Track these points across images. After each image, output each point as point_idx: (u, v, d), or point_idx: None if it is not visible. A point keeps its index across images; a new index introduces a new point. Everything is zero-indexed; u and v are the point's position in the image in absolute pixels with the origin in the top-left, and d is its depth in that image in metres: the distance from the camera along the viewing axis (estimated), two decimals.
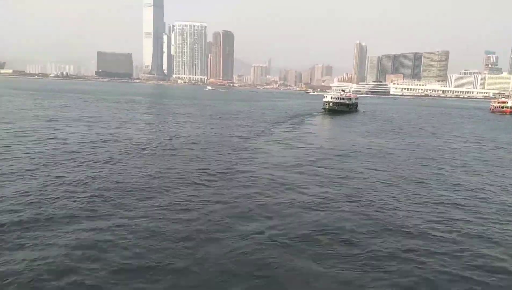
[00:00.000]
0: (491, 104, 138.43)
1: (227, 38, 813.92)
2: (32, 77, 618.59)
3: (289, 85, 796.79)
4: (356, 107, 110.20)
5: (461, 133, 60.24)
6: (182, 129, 49.08)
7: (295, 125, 60.83)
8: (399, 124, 73.87)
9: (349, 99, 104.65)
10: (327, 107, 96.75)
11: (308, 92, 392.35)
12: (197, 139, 40.51)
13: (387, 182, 25.20)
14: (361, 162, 31.94)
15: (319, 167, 28.90)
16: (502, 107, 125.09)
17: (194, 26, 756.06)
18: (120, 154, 30.13)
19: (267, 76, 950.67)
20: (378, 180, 25.64)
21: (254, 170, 26.85)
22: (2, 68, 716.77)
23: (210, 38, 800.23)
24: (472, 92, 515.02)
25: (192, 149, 34.38)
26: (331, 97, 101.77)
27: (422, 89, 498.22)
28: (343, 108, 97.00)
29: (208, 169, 26.38)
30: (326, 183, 24.12)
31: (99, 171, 24.16)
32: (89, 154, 29.37)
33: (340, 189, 22.79)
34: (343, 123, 71.69)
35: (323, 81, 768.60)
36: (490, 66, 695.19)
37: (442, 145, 44.84)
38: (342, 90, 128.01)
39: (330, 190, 22.58)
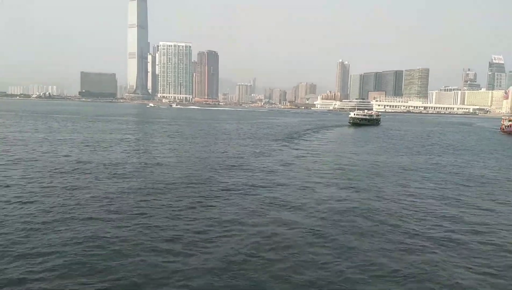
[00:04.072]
0: (502, 122, 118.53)
1: (212, 57, 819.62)
2: (13, 98, 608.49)
3: (274, 103, 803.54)
4: (378, 121, 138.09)
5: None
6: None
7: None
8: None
9: (370, 115, 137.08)
10: (352, 121, 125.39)
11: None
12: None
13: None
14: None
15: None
16: None
17: (178, 46, 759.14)
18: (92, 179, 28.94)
19: (252, 95, 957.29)
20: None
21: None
22: None
23: (195, 58, 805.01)
24: (453, 108, 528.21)
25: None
26: (355, 114, 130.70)
27: (404, 106, 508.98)
28: (364, 122, 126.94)
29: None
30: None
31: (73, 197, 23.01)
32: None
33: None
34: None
35: (307, 99, 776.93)
36: (469, 82, 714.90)
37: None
38: (366, 110, 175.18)
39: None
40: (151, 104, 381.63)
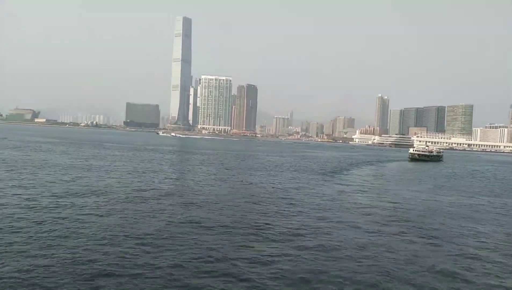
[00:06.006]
0: None
1: (251, 91, 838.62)
2: (63, 126, 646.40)
3: (311, 136, 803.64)
4: (440, 157, 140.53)
5: None
6: None
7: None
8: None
9: (430, 152, 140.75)
10: (410, 157, 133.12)
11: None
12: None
13: None
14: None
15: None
16: None
17: (219, 79, 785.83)
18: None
19: (289, 127, 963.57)
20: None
21: None
22: (37, 117, 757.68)
23: (234, 91, 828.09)
24: (499, 146, 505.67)
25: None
26: (414, 150, 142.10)
27: (446, 143, 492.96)
28: (424, 158, 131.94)
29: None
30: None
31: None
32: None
33: None
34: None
35: (345, 132, 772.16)
36: None
37: None
38: (427, 146, 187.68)
39: None
40: (161, 133, 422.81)
